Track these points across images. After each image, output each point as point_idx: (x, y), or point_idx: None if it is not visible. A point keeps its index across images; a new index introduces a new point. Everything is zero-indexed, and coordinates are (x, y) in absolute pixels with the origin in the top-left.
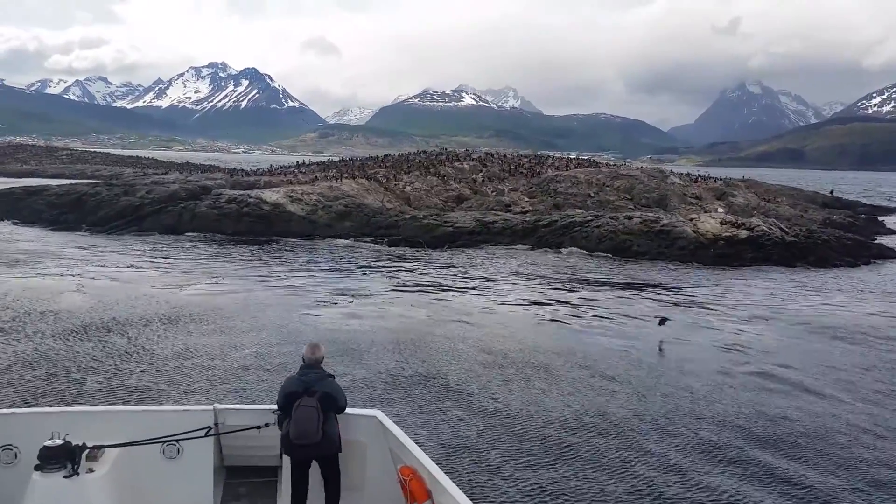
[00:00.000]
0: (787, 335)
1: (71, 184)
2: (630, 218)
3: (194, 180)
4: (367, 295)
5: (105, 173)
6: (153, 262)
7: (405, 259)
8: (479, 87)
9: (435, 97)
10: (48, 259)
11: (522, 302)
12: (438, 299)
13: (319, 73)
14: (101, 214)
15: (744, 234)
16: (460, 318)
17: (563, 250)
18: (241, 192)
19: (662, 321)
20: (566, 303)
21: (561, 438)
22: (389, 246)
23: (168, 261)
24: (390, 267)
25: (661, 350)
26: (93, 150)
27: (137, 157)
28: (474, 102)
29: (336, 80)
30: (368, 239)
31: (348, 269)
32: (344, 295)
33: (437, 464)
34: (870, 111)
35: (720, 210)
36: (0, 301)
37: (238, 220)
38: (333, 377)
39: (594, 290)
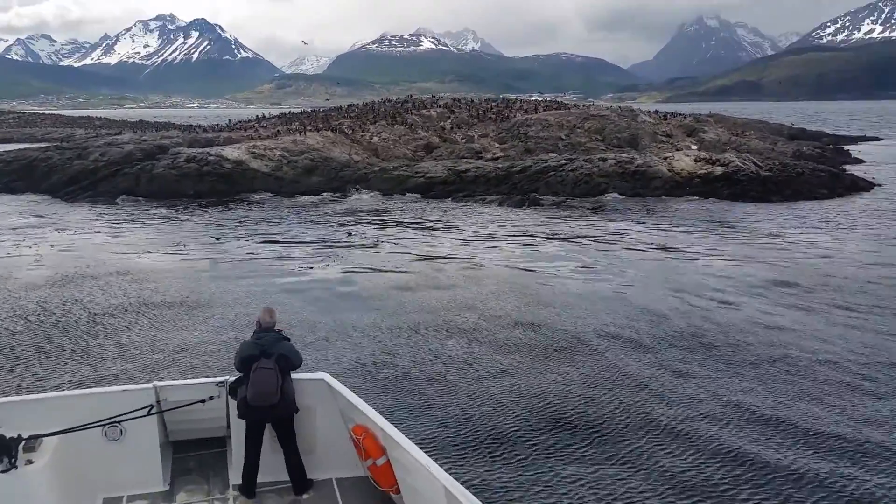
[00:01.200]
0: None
1: (20, 149)
2: (604, 160)
3: (149, 139)
4: (344, 256)
5: (56, 136)
6: (111, 228)
7: (378, 213)
8: (437, 30)
9: (393, 42)
10: (0, 230)
11: (509, 254)
12: (419, 256)
13: (273, 21)
14: (54, 180)
15: (719, 170)
16: (443, 277)
17: (539, 196)
18: (200, 150)
19: (349, 234)
20: (550, 252)
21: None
22: (360, 200)
23: (127, 226)
24: (364, 223)
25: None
26: (42, 111)
27: (89, 117)
28: (433, 46)
29: (291, 27)
30: (338, 194)
31: (319, 227)
32: (320, 256)
33: (389, 421)
34: (824, 41)
35: (693, 147)
36: None
37: (199, 180)
38: (289, 339)
39: (574, 237)
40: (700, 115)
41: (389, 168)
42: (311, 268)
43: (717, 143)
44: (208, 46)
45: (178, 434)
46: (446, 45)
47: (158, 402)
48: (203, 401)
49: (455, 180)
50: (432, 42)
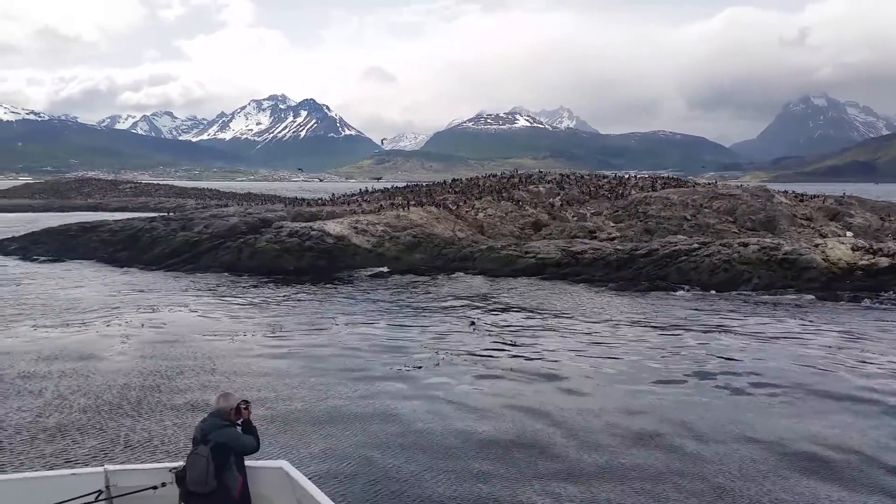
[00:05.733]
0: None
1: (127, 219)
2: (745, 245)
3: (254, 213)
4: (456, 353)
5: (168, 206)
6: (208, 306)
7: (487, 298)
8: (533, 108)
9: (489, 121)
10: (95, 304)
11: (656, 365)
12: (544, 359)
13: (377, 101)
14: (157, 251)
15: (884, 262)
16: (593, 399)
17: (671, 284)
18: (303, 224)
19: (472, 324)
20: (714, 369)
21: None
22: (465, 280)
23: (224, 305)
24: (473, 307)
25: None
26: (157, 182)
27: (200, 188)
28: (528, 124)
29: (394, 107)
30: (441, 273)
31: (425, 312)
32: (428, 353)
33: None
34: None
35: (848, 234)
36: (32, 358)
37: (300, 256)
38: (236, 425)
39: (735, 339)
40: (843, 196)
41: (497, 247)
42: (421, 367)
43: (868, 228)
44: (315, 125)
45: None
46: (541, 123)
47: (108, 487)
48: (155, 487)
49: (570, 262)
50: (527, 120)
